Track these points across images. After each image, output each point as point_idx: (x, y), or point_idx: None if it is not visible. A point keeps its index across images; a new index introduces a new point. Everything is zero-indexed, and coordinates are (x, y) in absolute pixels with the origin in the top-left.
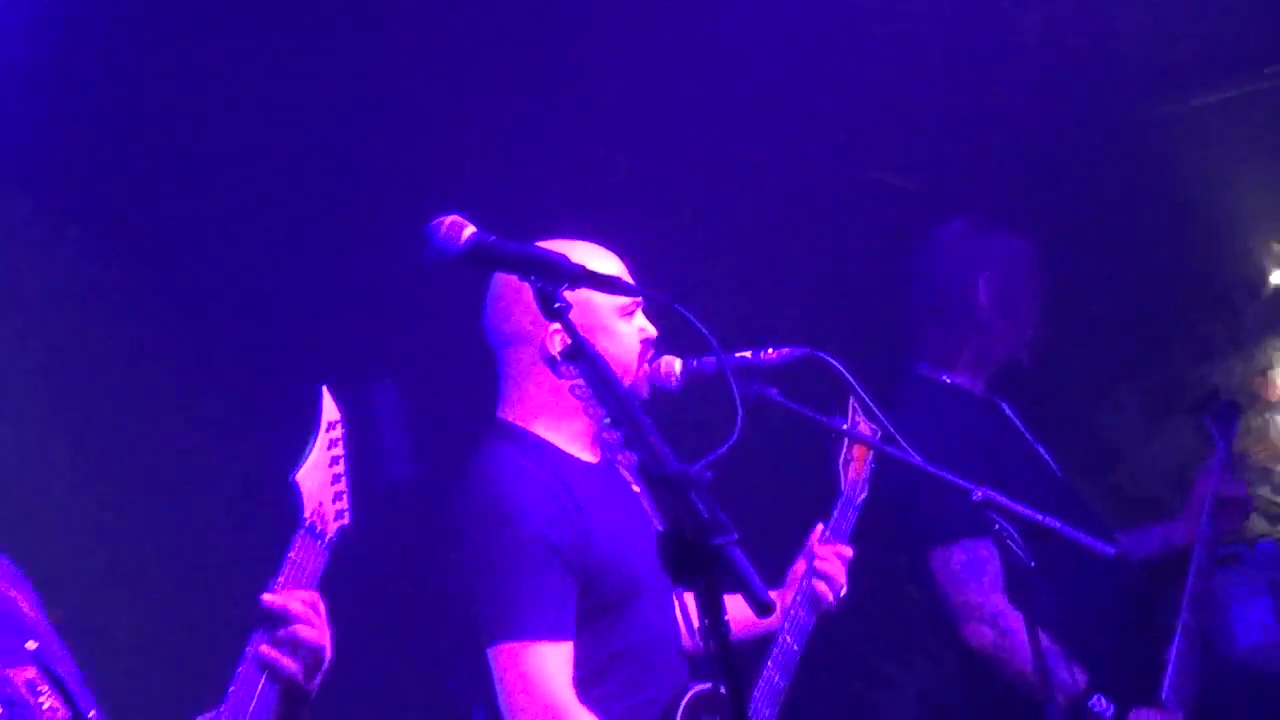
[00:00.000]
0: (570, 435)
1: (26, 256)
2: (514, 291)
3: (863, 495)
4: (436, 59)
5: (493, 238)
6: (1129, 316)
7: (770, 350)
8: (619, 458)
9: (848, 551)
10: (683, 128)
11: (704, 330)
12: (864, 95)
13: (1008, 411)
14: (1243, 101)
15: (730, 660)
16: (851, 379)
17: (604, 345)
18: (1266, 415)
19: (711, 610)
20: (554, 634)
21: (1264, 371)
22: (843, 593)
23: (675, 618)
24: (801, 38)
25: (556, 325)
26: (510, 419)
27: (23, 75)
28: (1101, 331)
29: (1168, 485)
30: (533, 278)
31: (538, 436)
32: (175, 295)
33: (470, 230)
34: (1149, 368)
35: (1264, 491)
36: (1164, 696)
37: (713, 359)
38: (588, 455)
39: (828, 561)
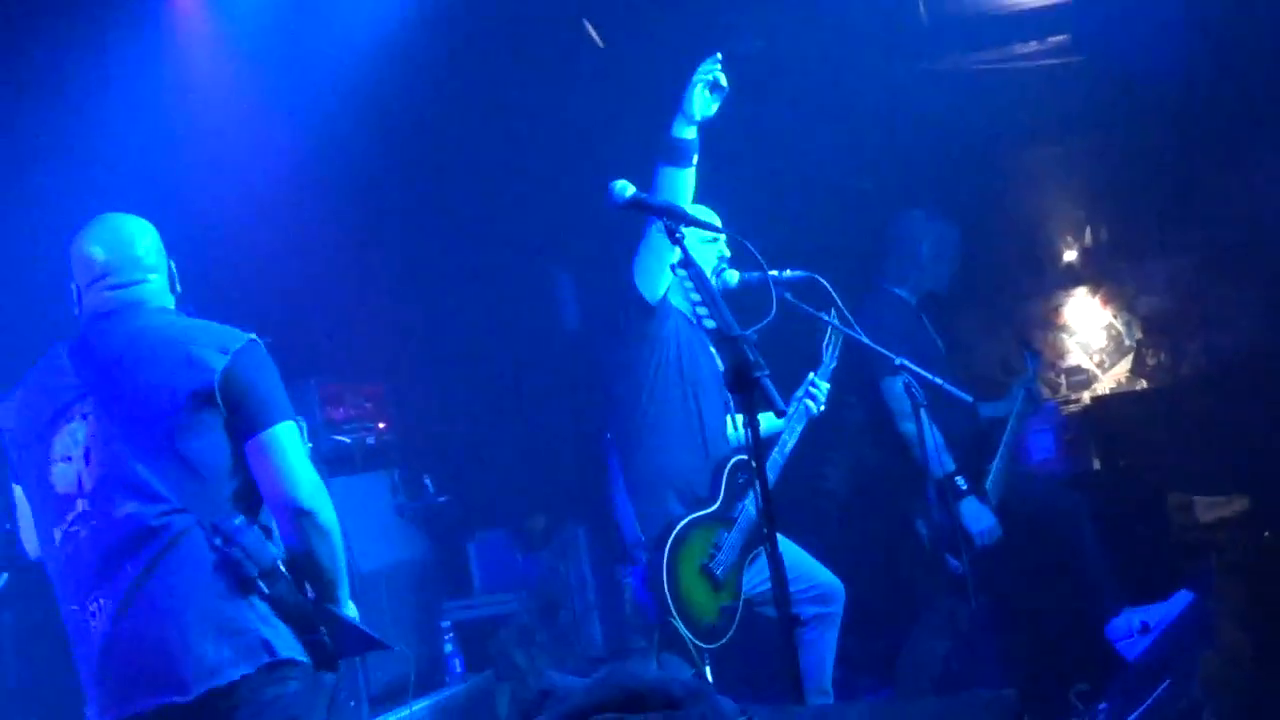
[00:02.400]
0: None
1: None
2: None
3: (833, 363)
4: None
5: (645, 194)
6: (985, 271)
7: (789, 271)
8: (702, 323)
9: (825, 386)
10: (757, 146)
11: (756, 254)
12: (857, 143)
13: (924, 317)
14: (1059, 154)
15: (758, 444)
16: (832, 291)
17: (699, 257)
18: (1055, 331)
19: (750, 413)
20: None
21: (1056, 307)
22: (822, 408)
23: (724, 421)
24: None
25: (675, 247)
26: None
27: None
28: (968, 278)
29: (995, 369)
30: (665, 219)
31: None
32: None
33: (633, 189)
34: (991, 301)
35: (1050, 374)
36: (987, 486)
37: (760, 273)
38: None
39: (816, 389)
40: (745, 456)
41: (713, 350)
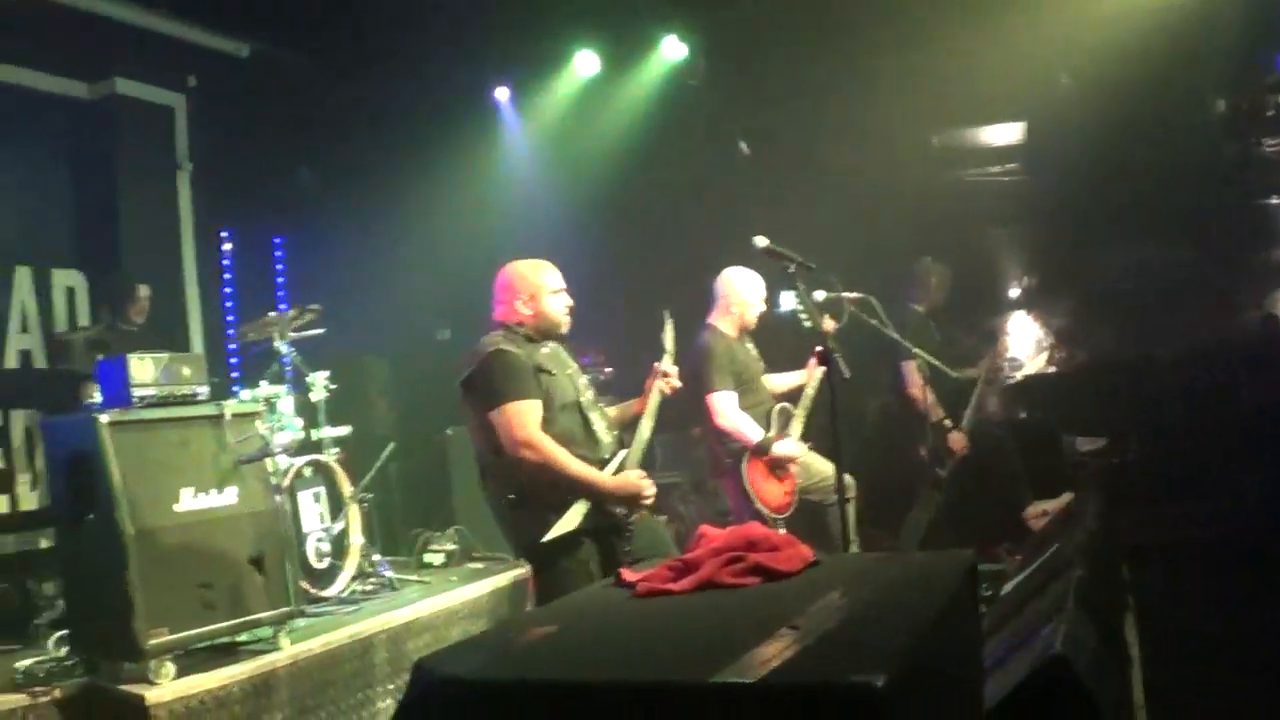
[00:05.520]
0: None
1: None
2: (729, 285)
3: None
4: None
5: (773, 245)
6: (966, 297)
7: (854, 293)
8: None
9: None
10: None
11: (835, 283)
12: (899, 217)
13: (930, 323)
14: (1011, 233)
15: (835, 397)
16: (878, 306)
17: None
18: (1003, 336)
19: (829, 377)
20: (730, 387)
21: (1005, 322)
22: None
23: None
24: None
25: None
26: (710, 321)
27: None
28: (957, 301)
29: (970, 356)
30: (785, 260)
31: (717, 328)
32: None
33: (766, 241)
34: (969, 316)
35: (998, 362)
36: (962, 425)
37: (836, 294)
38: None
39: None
40: (787, 404)
41: (749, 345)
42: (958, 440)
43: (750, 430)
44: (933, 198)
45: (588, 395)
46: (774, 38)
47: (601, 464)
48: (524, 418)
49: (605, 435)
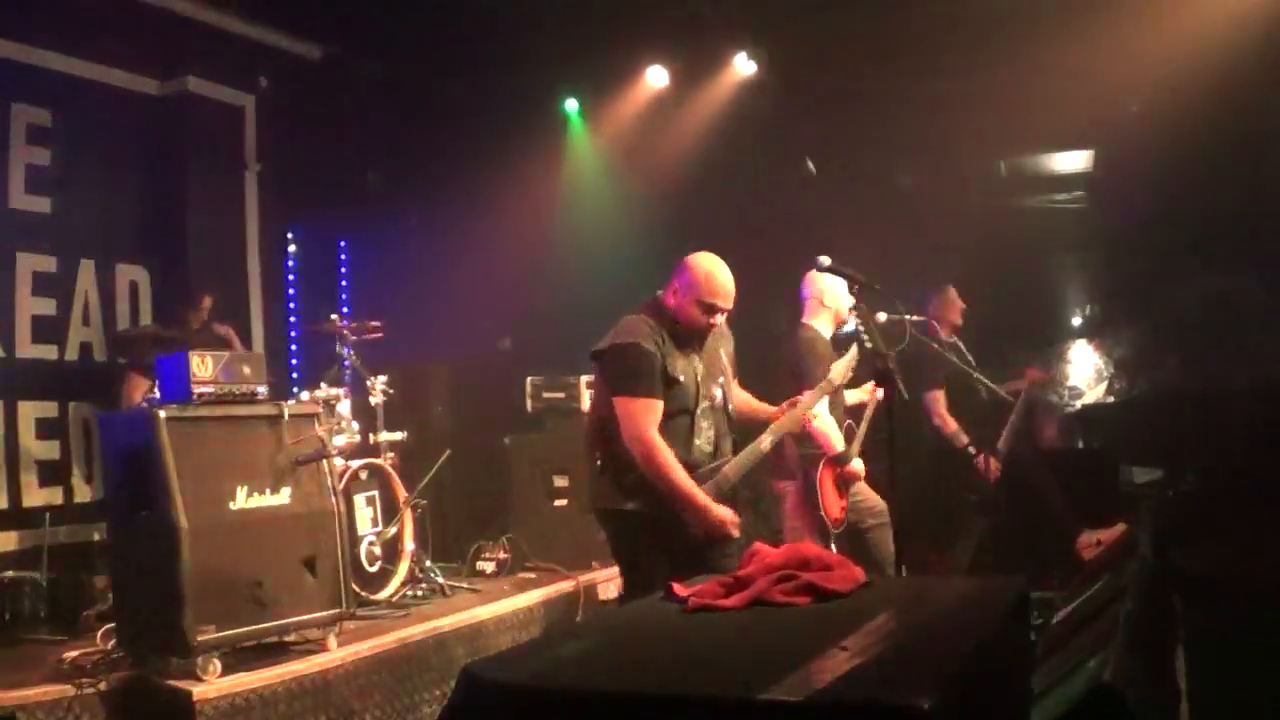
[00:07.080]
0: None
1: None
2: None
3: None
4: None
5: (836, 264)
6: (1031, 322)
7: (916, 316)
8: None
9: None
10: (909, 241)
11: (898, 304)
12: (961, 241)
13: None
14: (1074, 260)
15: (893, 418)
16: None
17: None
18: (1063, 364)
19: (888, 400)
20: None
21: (1066, 349)
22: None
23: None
24: None
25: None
26: (805, 320)
27: None
28: (1021, 325)
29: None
30: (848, 279)
31: (812, 326)
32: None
33: (830, 260)
34: (1031, 340)
35: (1057, 389)
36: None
37: (898, 315)
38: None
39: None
40: (850, 422)
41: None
42: (992, 467)
43: (836, 438)
44: (999, 224)
45: (704, 405)
46: (843, 58)
47: (693, 468)
48: (643, 416)
49: (707, 445)
